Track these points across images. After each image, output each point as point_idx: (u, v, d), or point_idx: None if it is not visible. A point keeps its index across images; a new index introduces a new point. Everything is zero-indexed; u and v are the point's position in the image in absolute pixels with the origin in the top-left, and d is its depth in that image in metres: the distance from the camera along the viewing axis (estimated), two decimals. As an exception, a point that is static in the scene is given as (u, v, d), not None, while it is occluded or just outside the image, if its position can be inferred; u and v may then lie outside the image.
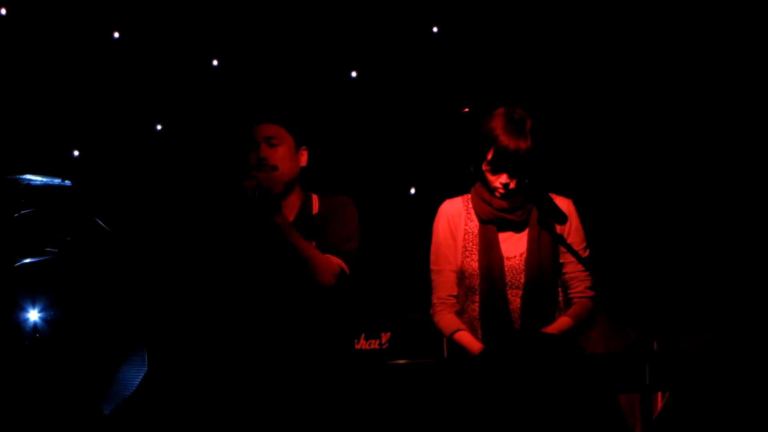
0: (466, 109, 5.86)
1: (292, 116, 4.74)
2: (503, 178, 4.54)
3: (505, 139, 4.49)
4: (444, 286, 4.70)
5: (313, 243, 4.63)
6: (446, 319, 4.66)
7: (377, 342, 5.56)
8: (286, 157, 4.68)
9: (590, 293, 4.64)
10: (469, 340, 4.59)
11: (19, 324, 5.83)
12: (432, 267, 4.73)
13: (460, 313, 4.68)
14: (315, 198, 4.79)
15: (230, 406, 4.35)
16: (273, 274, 4.62)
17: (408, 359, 4.53)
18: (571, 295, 4.66)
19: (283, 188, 4.68)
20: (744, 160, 6.10)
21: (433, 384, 4.03)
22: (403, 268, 5.25)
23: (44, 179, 5.93)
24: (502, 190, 4.56)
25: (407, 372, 4.15)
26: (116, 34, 6.44)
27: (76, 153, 6.43)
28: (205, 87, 6.52)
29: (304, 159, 4.76)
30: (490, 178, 4.57)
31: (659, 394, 4.96)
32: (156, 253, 6.25)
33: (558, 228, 4.53)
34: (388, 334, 5.61)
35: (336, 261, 4.62)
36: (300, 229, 4.65)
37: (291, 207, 4.73)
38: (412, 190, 6.54)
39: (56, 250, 5.91)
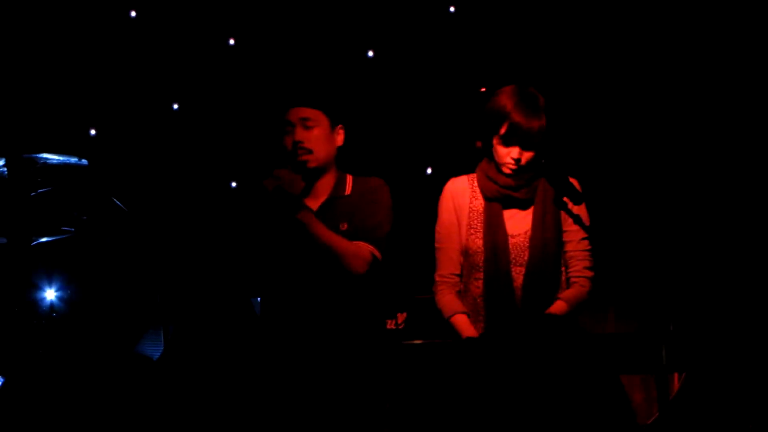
0: (483, 89, 5.86)
1: (326, 97, 4.71)
2: (514, 152, 4.53)
3: (518, 116, 4.48)
4: (446, 264, 4.70)
5: (345, 225, 4.62)
6: (446, 299, 4.66)
7: (393, 322, 5.56)
8: (321, 138, 4.65)
9: (589, 273, 4.64)
10: (464, 325, 4.59)
11: (36, 303, 5.84)
12: (436, 245, 4.74)
13: (463, 292, 4.69)
14: (349, 179, 4.77)
15: (257, 395, 4.35)
16: (300, 263, 4.60)
17: (424, 339, 4.53)
18: (570, 274, 4.66)
19: (317, 171, 4.67)
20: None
21: (449, 364, 4.02)
22: (420, 248, 5.23)
23: (61, 158, 5.94)
24: (513, 165, 4.54)
25: (424, 352, 4.14)
26: (133, 13, 6.42)
27: (93, 132, 6.43)
28: (231, 68, 6.50)
29: (340, 138, 4.72)
30: (501, 152, 4.55)
31: (675, 374, 4.95)
32: (173, 233, 6.24)
33: (570, 205, 4.51)
34: (405, 314, 5.61)
35: (367, 248, 4.60)
36: (332, 209, 4.65)
37: (324, 187, 4.71)
38: (429, 170, 6.52)
39: (73, 229, 5.91)
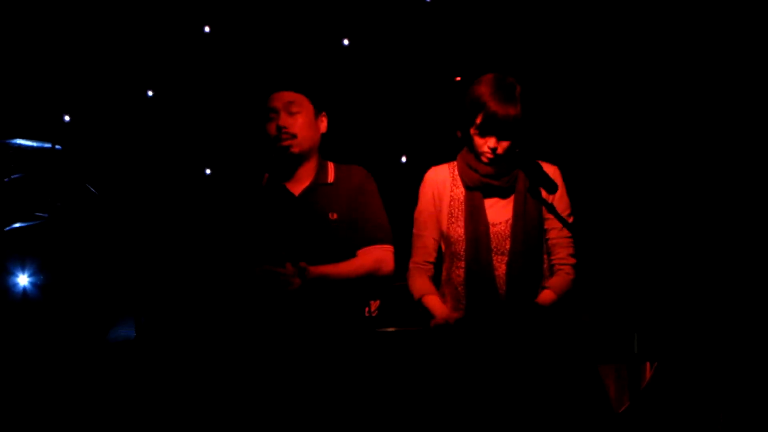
0: (459, 78, 5.86)
1: (311, 82, 4.71)
2: (491, 142, 4.54)
3: (494, 105, 4.48)
4: (422, 251, 4.73)
5: (335, 215, 4.63)
6: (418, 282, 4.69)
7: (367, 310, 5.55)
8: (305, 124, 4.67)
9: (572, 260, 4.66)
10: (435, 304, 4.62)
11: (9, 288, 5.82)
12: (414, 231, 4.75)
13: (445, 281, 4.70)
14: (331, 166, 4.79)
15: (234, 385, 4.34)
16: (287, 248, 4.61)
17: (397, 327, 4.53)
18: (554, 262, 4.68)
19: (300, 157, 4.68)
20: (736, 132, 6.10)
21: (422, 352, 4.03)
22: (394, 236, 5.25)
23: (35, 143, 5.91)
24: (490, 155, 4.55)
25: (397, 340, 4.14)
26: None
27: (67, 117, 6.40)
28: (217, 54, 6.48)
29: (323, 125, 4.75)
30: (478, 142, 4.56)
31: (647, 364, 4.97)
32: (147, 220, 6.22)
33: (545, 194, 4.53)
34: (378, 302, 5.61)
35: (384, 250, 4.71)
36: (316, 196, 4.66)
37: (307, 173, 4.73)
38: (404, 159, 6.52)
39: (46, 215, 5.89)
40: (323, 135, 4.75)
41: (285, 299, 4.52)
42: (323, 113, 4.73)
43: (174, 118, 6.47)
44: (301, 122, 4.65)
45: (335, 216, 4.66)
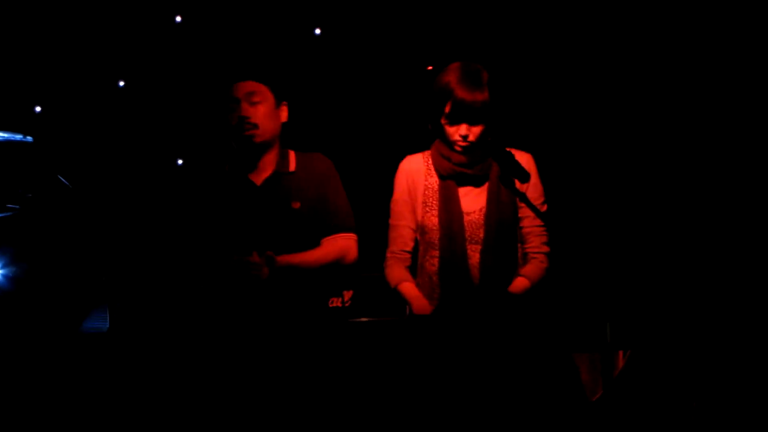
0: (430, 67, 5.84)
1: (272, 72, 4.72)
2: (462, 130, 4.53)
3: (461, 92, 4.48)
4: (398, 240, 4.73)
5: (297, 204, 4.64)
6: (395, 271, 4.69)
7: (340, 300, 5.54)
8: (267, 114, 4.69)
9: (546, 249, 4.67)
10: (411, 291, 4.63)
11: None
12: (390, 221, 4.75)
13: (419, 270, 4.70)
14: (292, 154, 4.81)
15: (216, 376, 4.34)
16: (250, 238, 4.61)
17: (370, 317, 4.54)
18: (527, 250, 4.69)
19: (262, 147, 4.69)
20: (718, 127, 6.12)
21: (395, 342, 4.03)
22: (365, 226, 5.25)
23: (5, 135, 5.87)
24: (462, 142, 4.55)
25: (369, 330, 4.15)
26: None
27: (38, 108, 6.38)
28: (177, 43, 6.46)
29: (284, 115, 4.78)
30: (449, 130, 4.56)
31: (620, 353, 4.98)
32: (119, 211, 6.21)
33: (518, 183, 4.53)
34: (351, 292, 5.60)
35: (347, 238, 4.76)
36: (278, 185, 4.67)
37: (269, 163, 4.75)
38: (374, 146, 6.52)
39: (18, 207, 5.86)
40: (285, 124, 4.76)
41: (254, 288, 4.53)
42: (284, 103, 4.75)
43: (144, 109, 6.45)
44: (263, 112, 4.68)
45: (298, 205, 4.68)
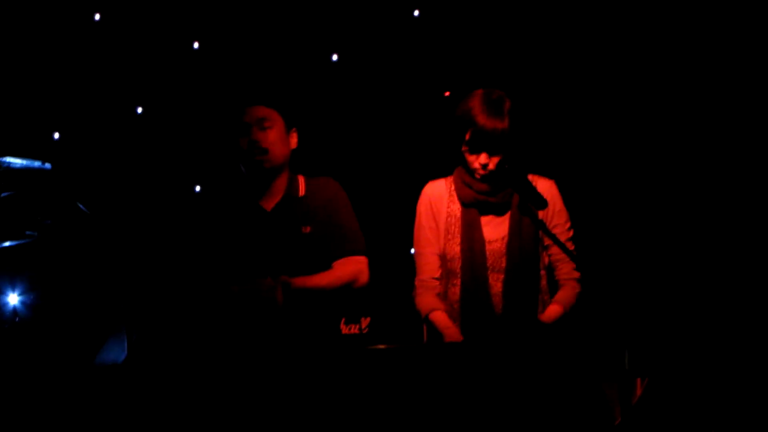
0: (448, 93, 5.83)
1: (283, 98, 4.74)
2: (482, 158, 4.53)
3: (482, 119, 4.48)
4: (425, 268, 4.71)
5: (308, 228, 4.64)
6: (425, 300, 4.66)
7: (357, 327, 5.53)
8: (278, 140, 4.70)
9: (576, 274, 4.65)
10: (443, 321, 4.59)
11: (-1, 308, 5.80)
12: (415, 249, 4.73)
13: (442, 296, 4.68)
14: (301, 180, 4.83)
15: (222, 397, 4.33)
16: (261, 263, 4.61)
17: (388, 344, 4.52)
18: (558, 277, 4.67)
19: (272, 172, 4.69)
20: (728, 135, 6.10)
21: (413, 369, 4.02)
22: (384, 252, 5.24)
23: (24, 161, 5.89)
24: (482, 171, 4.55)
25: (387, 357, 4.13)
26: (97, 16, 6.38)
27: (56, 135, 6.39)
28: (192, 70, 6.48)
29: (294, 141, 4.80)
30: (469, 159, 4.55)
31: (638, 380, 4.96)
32: (138, 238, 6.21)
33: (540, 211, 4.51)
34: (368, 319, 5.58)
35: (358, 261, 4.77)
36: (288, 210, 4.68)
37: (279, 188, 4.77)
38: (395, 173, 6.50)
39: (36, 234, 5.87)
40: (294, 150, 4.77)
41: (269, 314, 4.53)
42: (294, 129, 4.76)
43: (164, 135, 6.46)
44: (273, 137, 4.70)
45: (308, 229, 4.69)
